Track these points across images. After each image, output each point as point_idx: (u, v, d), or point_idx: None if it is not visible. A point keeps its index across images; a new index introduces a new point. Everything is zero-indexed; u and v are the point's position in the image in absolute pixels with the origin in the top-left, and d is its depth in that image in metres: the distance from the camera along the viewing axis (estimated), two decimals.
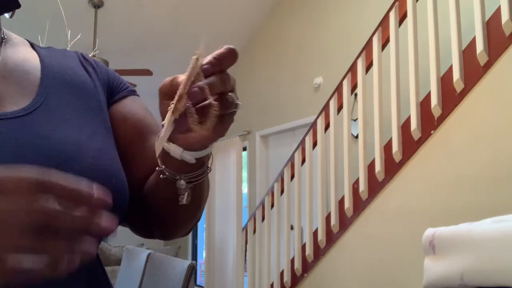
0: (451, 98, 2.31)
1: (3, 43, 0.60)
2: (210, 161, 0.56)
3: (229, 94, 0.48)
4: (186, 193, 0.54)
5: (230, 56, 0.46)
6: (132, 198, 0.60)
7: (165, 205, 0.59)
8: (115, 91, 0.66)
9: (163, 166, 0.53)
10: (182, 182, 0.54)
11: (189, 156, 0.51)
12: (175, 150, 0.51)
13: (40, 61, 0.60)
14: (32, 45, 0.64)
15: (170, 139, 0.50)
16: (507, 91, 2.09)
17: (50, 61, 0.61)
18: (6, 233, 0.31)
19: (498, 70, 2.13)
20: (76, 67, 0.63)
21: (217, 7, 4.68)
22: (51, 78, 0.58)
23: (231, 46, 0.47)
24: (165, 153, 0.52)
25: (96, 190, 0.36)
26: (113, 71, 0.70)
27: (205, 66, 0.45)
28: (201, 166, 0.54)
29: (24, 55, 0.60)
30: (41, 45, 0.66)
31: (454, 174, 2.28)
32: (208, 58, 0.46)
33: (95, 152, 0.54)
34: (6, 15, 0.59)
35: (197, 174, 0.54)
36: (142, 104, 0.69)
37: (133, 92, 0.68)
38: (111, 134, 0.61)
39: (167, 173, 0.53)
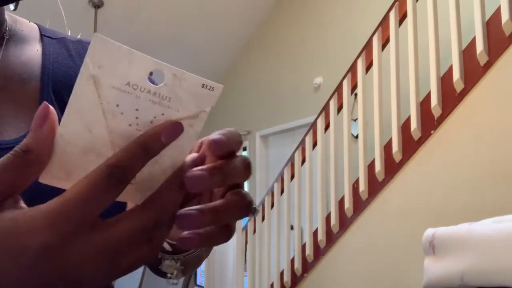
0: (451, 98, 2.31)
1: (6, 39, 0.52)
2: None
3: (242, 191, 0.33)
4: (175, 272, 0.46)
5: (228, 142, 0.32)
6: None
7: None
8: None
9: None
10: (167, 262, 0.45)
11: (167, 245, 0.43)
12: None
13: (42, 65, 0.52)
14: (42, 36, 0.55)
15: None
16: (507, 91, 2.09)
17: (54, 63, 0.53)
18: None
19: (498, 70, 2.13)
20: None
21: (217, 7, 4.68)
22: (52, 90, 0.51)
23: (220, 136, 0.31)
24: None
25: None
26: None
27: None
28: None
29: (26, 56, 0.52)
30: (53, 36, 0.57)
31: (454, 174, 2.28)
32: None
33: None
34: (11, 6, 0.52)
35: (187, 254, 0.45)
36: None
37: None
38: None
39: None
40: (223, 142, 0.31)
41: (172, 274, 0.45)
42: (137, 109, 0.28)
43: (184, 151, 0.30)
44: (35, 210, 0.26)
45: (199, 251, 0.46)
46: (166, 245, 0.43)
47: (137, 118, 0.28)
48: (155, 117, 0.28)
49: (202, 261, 0.51)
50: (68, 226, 0.25)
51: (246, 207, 0.33)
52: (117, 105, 0.27)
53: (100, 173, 0.26)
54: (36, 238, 0.24)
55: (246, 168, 0.33)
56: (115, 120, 0.28)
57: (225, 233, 0.33)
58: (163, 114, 0.29)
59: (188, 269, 0.48)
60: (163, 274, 0.46)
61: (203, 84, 0.29)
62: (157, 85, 0.28)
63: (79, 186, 0.26)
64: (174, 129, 0.28)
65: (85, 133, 0.27)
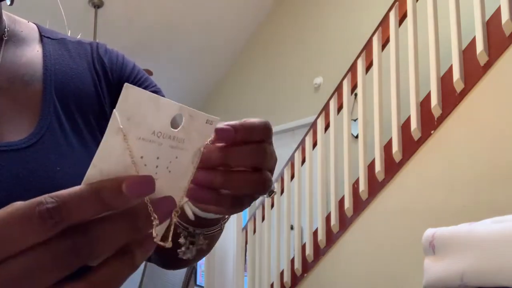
0: (451, 98, 2.31)
1: (5, 40, 0.51)
2: (225, 221, 0.47)
3: (267, 172, 0.38)
4: (185, 249, 0.47)
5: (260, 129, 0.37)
6: None
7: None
8: None
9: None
10: (182, 240, 0.46)
11: (190, 212, 0.43)
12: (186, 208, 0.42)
13: (43, 66, 0.51)
14: (42, 37, 0.54)
15: None
16: (507, 91, 2.09)
17: (55, 64, 0.52)
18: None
19: (498, 70, 2.13)
20: (84, 71, 0.54)
21: (217, 7, 4.68)
22: (54, 92, 0.50)
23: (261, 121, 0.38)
24: None
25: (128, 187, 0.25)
26: (133, 66, 0.60)
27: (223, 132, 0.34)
28: (215, 224, 0.46)
29: (27, 57, 0.51)
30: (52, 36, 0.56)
31: (454, 174, 2.28)
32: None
33: None
34: (7, 1, 0.50)
35: (209, 231, 0.46)
36: None
37: None
38: None
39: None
40: (231, 132, 0.34)
41: (187, 248, 0.46)
42: (158, 158, 0.27)
43: (182, 184, 0.30)
44: None
45: (218, 230, 0.47)
46: (189, 213, 0.43)
47: (157, 167, 0.27)
48: (170, 162, 0.28)
49: (214, 243, 0.52)
50: None
51: (263, 183, 0.36)
52: (141, 157, 0.26)
53: (36, 204, 0.23)
54: None
55: (265, 130, 0.38)
56: (139, 173, 0.26)
57: (237, 206, 0.37)
58: (177, 158, 0.28)
59: (201, 251, 0.48)
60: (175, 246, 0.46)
61: (207, 120, 0.30)
62: (175, 128, 0.27)
63: (9, 209, 0.23)
64: (146, 185, 0.25)
65: None
